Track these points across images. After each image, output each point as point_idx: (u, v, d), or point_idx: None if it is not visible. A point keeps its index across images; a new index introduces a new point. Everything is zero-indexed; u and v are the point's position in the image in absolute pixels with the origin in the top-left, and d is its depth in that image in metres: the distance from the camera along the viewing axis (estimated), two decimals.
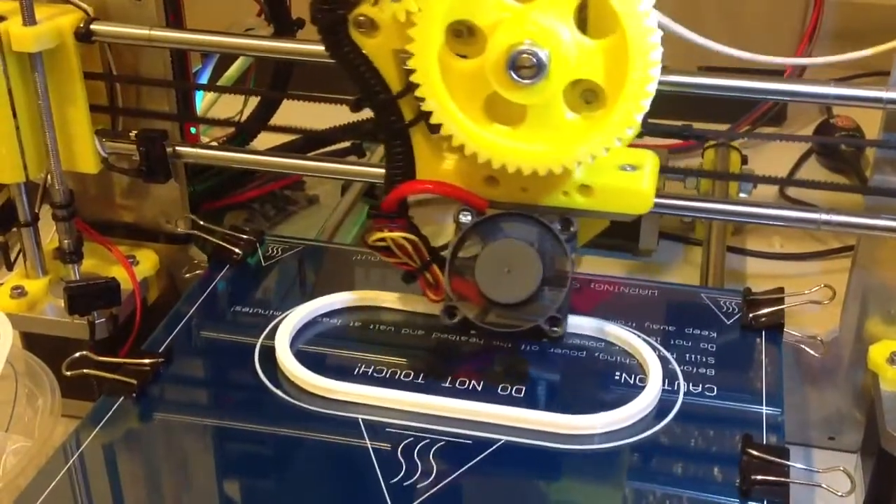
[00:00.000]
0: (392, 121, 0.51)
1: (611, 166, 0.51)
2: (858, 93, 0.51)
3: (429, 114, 0.48)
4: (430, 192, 0.52)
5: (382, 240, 0.53)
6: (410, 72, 0.48)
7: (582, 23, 0.46)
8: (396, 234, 0.52)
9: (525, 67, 0.45)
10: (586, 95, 0.47)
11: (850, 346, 0.57)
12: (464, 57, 0.47)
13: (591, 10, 0.46)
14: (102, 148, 0.59)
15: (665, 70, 0.53)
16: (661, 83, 0.52)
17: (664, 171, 0.75)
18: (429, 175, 0.52)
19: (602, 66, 0.46)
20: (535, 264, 0.51)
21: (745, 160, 0.82)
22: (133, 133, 0.60)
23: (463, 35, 0.47)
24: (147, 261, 0.64)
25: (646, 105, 0.46)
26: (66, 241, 0.60)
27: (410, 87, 0.48)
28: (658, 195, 0.52)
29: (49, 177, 0.59)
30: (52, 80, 0.56)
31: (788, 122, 0.97)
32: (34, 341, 0.60)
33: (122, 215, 0.66)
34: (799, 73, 0.81)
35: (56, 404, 0.53)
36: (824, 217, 0.53)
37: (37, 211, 0.61)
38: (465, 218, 0.52)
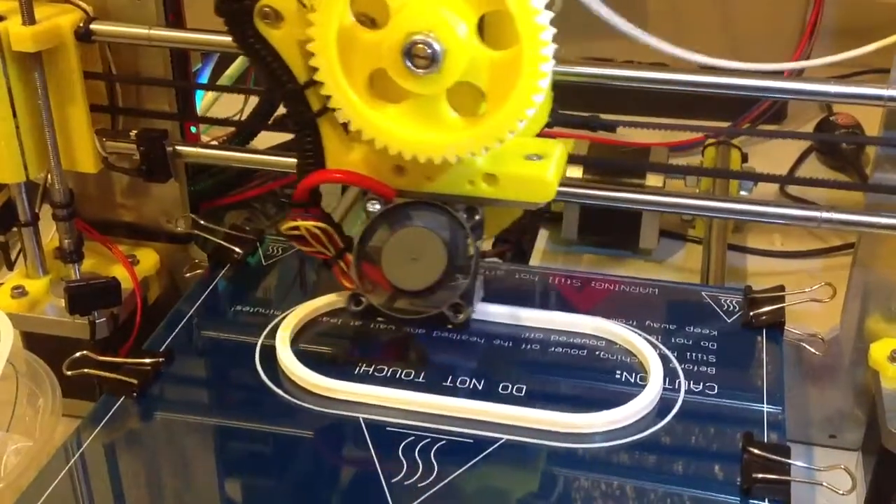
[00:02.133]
0: (301, 111, 0.51)
1: (517, 155, 0.51)
2: (859, 90, 0.51)
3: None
4: (339, 182, 0.53)
5: (296, 228, 0.53)
6: None
7: (480, 30, 0.46)
8: (309, 223, 0.53)
9: (420, 57, 0.45)
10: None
11: (851, 343, 0.57)
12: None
13: (492, 22, 0.46)
14: (102, 147, 0.59)
15: (666, 68, 0.53)
16: (663, 82, 0.52)
17: (665, 169, 0.76)
18: (338, 164, 0.52)
19: (490, 76, 0.46)
20: (440, 252, 0.51)
21: (745, 158, 0.82)
22: (133, 133, 0.60)
23: (365, 26, 0.48)
24: (147, 260, 0.64)
25: (520, 126, 0.47)
26: (66, 241, 0.60)
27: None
28: (658, 193, 0.52)
29: (49, 176, 0.59)
30: (51, 80, 0.56)
31: (789, 119, 0.97)
32: (35, 341, 0.60)
33: (122, 215, 0.66)
34: (798, 71, 0.81)
35: (57, 404, 0.53)
36: (825, 215, 0.53)
37: (37, 211, 0.61)
38: (373, 207, 0.52)
